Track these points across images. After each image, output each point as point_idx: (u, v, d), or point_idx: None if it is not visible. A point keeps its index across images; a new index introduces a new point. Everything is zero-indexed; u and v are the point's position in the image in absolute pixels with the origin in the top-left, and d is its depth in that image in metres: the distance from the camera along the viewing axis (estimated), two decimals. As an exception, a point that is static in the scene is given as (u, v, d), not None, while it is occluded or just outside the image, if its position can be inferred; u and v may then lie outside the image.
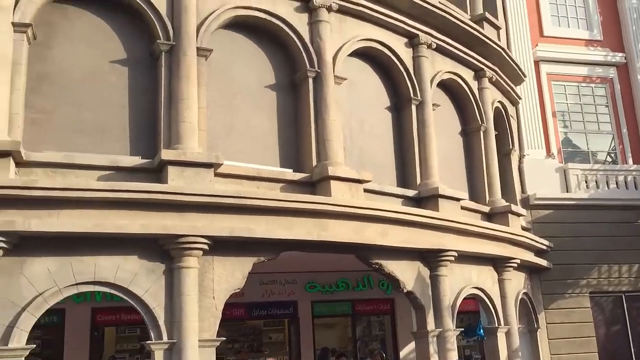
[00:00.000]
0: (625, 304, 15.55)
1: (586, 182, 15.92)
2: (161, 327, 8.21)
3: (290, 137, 10.31)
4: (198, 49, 9.36)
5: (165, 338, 8.18)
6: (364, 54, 11.62)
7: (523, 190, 15.63)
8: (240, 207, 8.74)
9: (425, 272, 11.09)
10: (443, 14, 12.51)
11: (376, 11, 11.44)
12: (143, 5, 9.25)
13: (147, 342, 8.22)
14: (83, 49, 9.05)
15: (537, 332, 14.56)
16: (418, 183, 11.53)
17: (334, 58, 10.67)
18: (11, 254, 7.67)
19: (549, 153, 16.25)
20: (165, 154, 8.46)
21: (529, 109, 16.36)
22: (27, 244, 7.73)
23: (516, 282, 13.65)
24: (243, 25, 10.20)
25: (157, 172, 8.63)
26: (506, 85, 15.19)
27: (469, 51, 13.51)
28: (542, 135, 16.33)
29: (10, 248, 7.62)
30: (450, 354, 10.83)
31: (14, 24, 8.40)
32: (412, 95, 11.85)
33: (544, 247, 14.74)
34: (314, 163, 9.99)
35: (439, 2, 12.70)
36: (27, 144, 8.24)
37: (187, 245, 8.35)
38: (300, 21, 10.54)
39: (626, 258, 15.49)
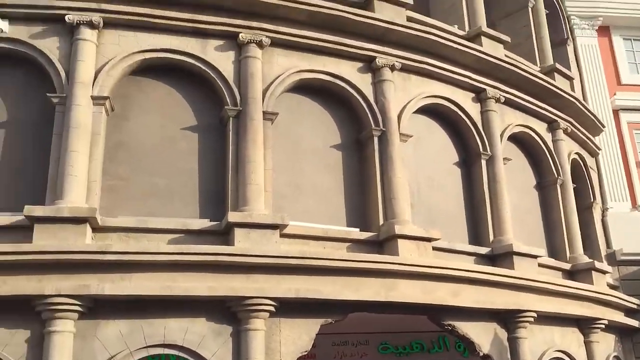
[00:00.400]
0: None
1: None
2: (228, 390, 8.16)
3: (356, 196, 10.29)
4: (264, 113, 9.63)
5: (232, 402, 8.12)
6: (430, 110, 11.57)
7: (608, 246, 14.80)
8: (306, 267, 8.71)
9: (503, 334, 10.56)
10: (510, 67, 12.35)
11: (441, 68, 11.45)
12: (212, 74, 9.68)
13: (214, 407, 8.17)
14: (156, 118, 9.51)
15: (634, 402, 13.44)
16: (491, 240, 11.15)
17: (399, 116, 10.68)
18: (86, 317, 7.94)
19: (634, 205, 15.39)
20: (232, 217, 8.61)
21: (610, 160, 15.68)
22: (100, 307, 7.98)
23: (605, 345, 12.75)
24: (308, 87, 10.43)
25: (224, 234, 8.78)
26: (583, 136, 14.65)
27: (541, 103, 13.20)
28: (625, 186, 15.55)
29: (85, 311, 7.89)
30: (533, 423, 10.13)
31: (93, 98, 8.98)
32: (481, 150, 11.62)
33: (635, 307, 13.75)
34: (381, 222, 9.88)
35: (506, 56, 12.57)
36: (103, 210, 8.65)
37: (254, 307, 8.36)
38: (363, 81, 10.68)
39: None
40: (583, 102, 14.36)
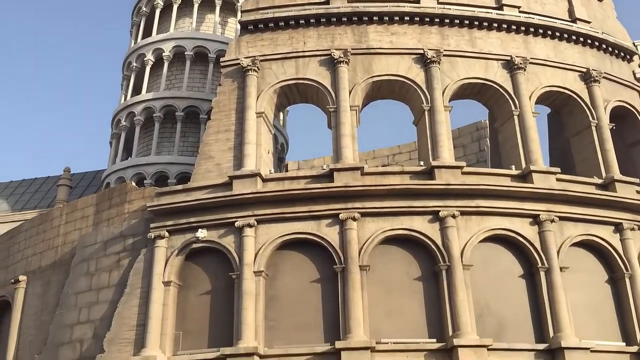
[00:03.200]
0: None
1: None
2: None
3: (434, 314, 14.54)
4: (360, 266, 14.54)
5: None
6: (494, 238, 15.38)
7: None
8: (390, 375, 13.31)
9: (564, 411, 13.78)
10: (562, 192, 15.61)
11: (495, 207, 15.27)
12: (325, 244, 14.91)
13: None
14: (293, 277, 14.98)
15: None
16: (551, 337, 14.44)
17: (462, 252, 14.77)
18: (259, 412, 13.45)
19: None
20: (338, 344, 13.64)
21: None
22: (266, 406, 13.44)
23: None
24: (392, 240, 15.11)
25: (336, 354, 13.72)
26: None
27: (602, 211, 16.00)
28: None
29: (258, 409, 13.41)
30: None
31: (254, 272, 14.74)
32: (539, 264, 15.05)
33: None
34: (450, 334, 14.02)
35: (557, 180, 15.81)
36: (266, 342, 14.22)
37: (358, 403, 13.15)
38: (433, 229, 15.04)
39: None
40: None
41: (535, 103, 17.45)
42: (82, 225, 17.48)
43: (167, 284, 15.08)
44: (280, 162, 24.53)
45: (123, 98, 24.40)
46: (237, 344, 14.02)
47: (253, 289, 14.61)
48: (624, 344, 15.21)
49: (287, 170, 23.26)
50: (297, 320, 14.56)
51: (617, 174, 16.79)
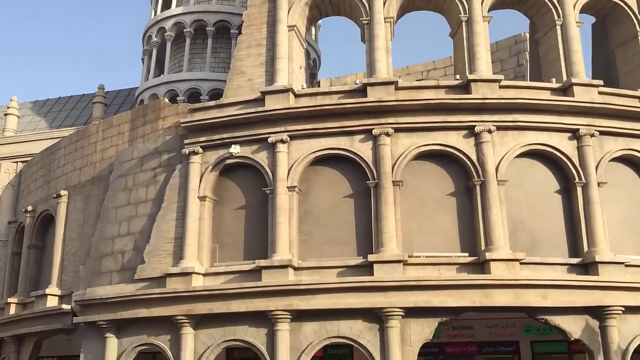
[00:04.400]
0: None
1: None
2: (378, 364, 13.49)
3: (467, 229, 14.56)
4: (393, 182, 14.52)
5: (380, 371, 13.44)
6: (530, 153, 15.10)
7: None
8: (422, 286, 13.55)
9: (594, 323, 13.94)
10: (605, 106, 15.09)
11: (533, 121, 14.90)
12: (358, 159, 14.87)
13: (369, 373, 13.61)
14: (326, 192, 15.08)
15: None
16: (585, 252, 14.41)
17: (497, 167, 14.58)
18: (294, 320, 13.95)
19: None
20: (371, 257, 13.85)
21: None
22: (301, 315, 13.91)
23: None
24: (426, 155, 14.97)
25: (368, 267, 13.98)
26: None
27: (644, 125, 15.53)
28: None
29: (293, 318, 13.90)
30: (619, 390, 13.45)
31: (288, 187, 14.87)
32: (577, 179, 14.81)
33: None
34: (482, 248, 14.09)
35: (599, 93, 15.27)
36: (300, 256, 14.54)
37: (390, 313, 13.49)
38: (468, 145, 14.82)
39: None
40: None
41: (580, 12, 16.56)
42: (118, 142, 17.75)
43: (202, 198, 15.37)
44: (312, 78, 24.14)
45: (153, 13, 24.03)
46: (271, 256, 14.36)
47: (287, 204, 14.78)
48: (658, 259, 15.12)
49: (319, 87, 22.96)
50: (330, 234, 14.77)
51: (662, 87, 16.15)
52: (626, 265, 14.30)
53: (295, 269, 14.33)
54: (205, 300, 14.42)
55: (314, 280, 14.06)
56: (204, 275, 14.90)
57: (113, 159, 17.50)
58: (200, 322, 14.52)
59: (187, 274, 14.73)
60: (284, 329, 13.86)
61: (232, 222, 15.48)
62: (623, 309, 13.82)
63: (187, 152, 15.73)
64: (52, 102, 29.16)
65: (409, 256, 14.01)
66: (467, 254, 14.32)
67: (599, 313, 13.86)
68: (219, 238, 15.41)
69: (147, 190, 16.30)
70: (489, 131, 14.77)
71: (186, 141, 15.84)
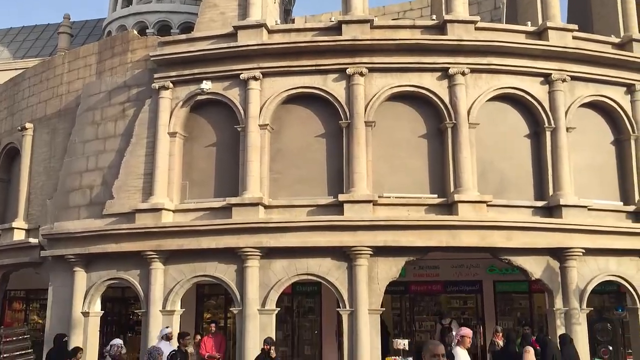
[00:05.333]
0: None
1: None
2: (345, 301, 13.79)
3: (437, 171, 14.70)
4: (366, 122, 14.47)
5: (347, 307, 13.74)
6: (502, 97, 15.15)
7: None
8: (390, 226, 13.75)
9: (555, 264, 14.39)
10: (576, 50, 15.12)
11: (507, 65, 14.88)
12: (331, 99, 14.74)
13: (337, 309, 13.92)
14: (298, 131, 14.99)
15: None
16: (550, 195, 14.73)
17: (469, 110, 14.62)
18: (264, 258, 14.10)
19: None
20: (341, 197, 13.94)
21: None
22: (271, 253, 14.06)
23: (678, 269, 15.48)
24: (399, 97, 14.92)
25: (339, 206, 14.09)
26: (674, 88, 16.53)
27: (616, 72, 15.62)
28: None
29: (263, 255, 14.04)
30: (574, 327, 14.03)
31: (260, 125, 14.73)
32: (546, 124, 14.97)
33: None
34: (451, 190, 14.29)
35: (573, 38, 15.27)
36: (270, 194, 14.57)
37: (358, 252, 13.71)
38: (441, 87, 14.78)
39: None
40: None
41: (559, -46, 16.39)
42: (85, 74, 17.26)
43: (172, 134, 15.16)
44: (286, 15, 23.65)
45: (121, -61, 23.04)
46: (242, 194, 14.36)
47: (258, 142, 14.67)
48: (622, 203, 15.54)
49: (293, 24, 22.46)
50: (302, 173, 14.78)
51: (635, 33, 16.15)
52: (589, 209, 14.69)
53: (265, 207, 14.37)
54: (175, 236, 14.44)
55: (284, 218, 14.14)
56: (174, 211, 14.87)
57: (80, 92, 17.05)
58: (170, 257, 14.59)
59: (156, 210, 14.67)
60: (253, 265, 14.01)
61: (202, 159, 15.35)
62: (583, 250, 14.28)
63: (156, 87, 15.38)
64: (16, 32, 28.05)
65: (379, 196, 14.14)
66: (436, 196, 14.50)
67: (560, 254, 14.30)
68: (189, 175, 15.32)
69: (116, 124, 15.99)
70: (463, 73, 14.72)
71: (156, 75, 15.46)
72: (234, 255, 14.14)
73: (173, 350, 11.58)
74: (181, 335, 12.73)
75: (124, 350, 9.45)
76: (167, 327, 13.07)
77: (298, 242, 13.88)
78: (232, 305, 14.37)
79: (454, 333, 17.47)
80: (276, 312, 14.15)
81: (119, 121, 15.95)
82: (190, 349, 13.48)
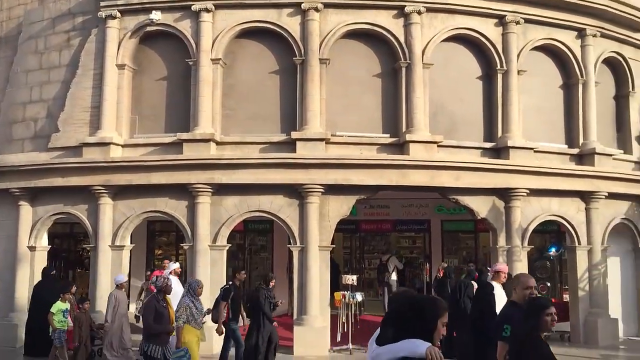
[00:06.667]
0: None
1: None
2: (296, 237, 13.95)
3: (390, 111, 14.76)
4: (320, 59, 14.30)
5: (298, 244, 13.92)
6: (457, 38, 15.16)
7: (643, 127, 17.40)
8: (343, 164, 13.83)
9: (501, 204, 14.84)
10: (531, -7, 15.16)
11: (462, 5, 14.82)
12: (285, 35, 14.45)
13: (288, 245, 14.09)
14: (252, 66, 14.71)
15: (640, 251, 16.90)
16: (499, 137, 15.03)
17: (423, 50, 14.59)
18: (216, 194, 14.04)
19: (678, 90, 17.46)
20: (294, 134, 13.88)
21: (661, 49, 17.60)
22: (223, 189, 14.00)
23: (614, 210, 16.20)
24: (354, 34, 14.74)
25: (292, 144, 14.06)
26: (622, 36, 16.84)
27: (567, 15, 15.77)
28: (672, 74, 17.51)
29: (215, 191, 13.98)
30: (515, 264, 14.63)
31: (212, 59, 14.37)
32: (499, 66, 15.10)
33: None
34: (403, 130, 14.40)
35: (528, -19, 15.28)
36: (222, 130, 14.38)
37: (310, 190, 13.80)
38: (397, 25, 14.65)
39: None
40: (618, 5, 16.31)
41: None
42: (27, 0, 16.36)
43: (121, 66, 14.66)
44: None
45: None
46: (193, 130, 14.13)
47: (210, 77, 14.35)
48: (567, 146, 16.00)
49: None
50: (255, 110, 14.60)
51: (589, -22, 16.29)
52: (535, 151, 15.09)
53: (217, 143, 14.21)
54: (124, 171, 14.19)
55: (236, 155, 14.04)
56: (123, 146, 14.55)
57: (22, 19, 16.20)
58: (119, 192, 14.37)
59: (105, 144, 14.33)
60: (204, 202, 13.95)
61: (152, 93, 14.95)
62: (528, 191, 14.74)
63: (103, 16, 14.73)
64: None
65: (332, 135, 14.15)
66: (388, 135, 14.60)
67: (505, 194, 14.73)
68: (138, 109, 14.93)
69: (61, 54, 15.33)
70: (419, 12, 14.59)
71: (102, 3, 14.77)
72: (185, 192, 14.02)
73: (227, 284, 12.01)
74: (236, 270, 13.01)
75: (169, 282, 9.44)
76: (175, 262, 13.40)
77: (250, 179, 13.85)
78: (184, 241, 14.36)
79: (390, 269, 18.09)
80: (227, 248, 14.23)
81: (63, 51, 15.30)
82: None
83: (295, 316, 14.01)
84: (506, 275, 9.72)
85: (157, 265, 16.76)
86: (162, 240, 20.60)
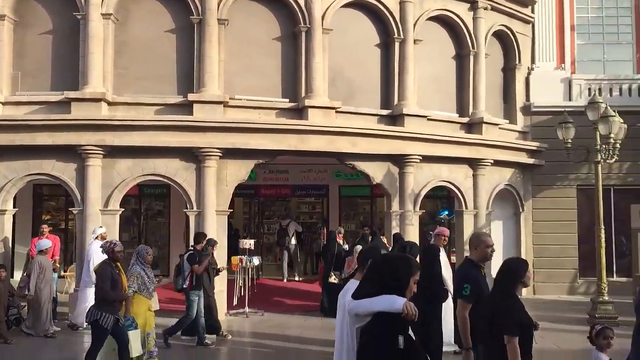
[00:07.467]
0: (612, 196, 18.26)
1: (593, 90, 17.92)
2: (193, 202, 13.70)
3: (290, 75, 14.69)
4: (218, 19, 13.91)
5: (195, 208, 13.69)
6: (356, 4, 15.27)
7: (527, 99, 18.43)
8: (241, 128, 13.67)
9: (395, 170, 15.30)
10: (428, -38, 15.49)
11: (362, -28, 14.91)
12: (182, -8, 13.94)
13: (185, 210, 13.83)
14: (147, 24, 14.08)
15: (522, 215, 18.05)
16: (395, 104, 15.41)
17: (323, 15, 14.57)
18: (108, 157, 13.46)
19: (559, 65, 18.63)
20: (191, 96, 13.52)
21: (545, 25, 18.63)
22: (115, 152, 13.44)
23: (499, 176, 17.18)
24: (256, -5, 14.46)
25: (188, 106, 13.70)
26: (511, 9, 17.66)
27: (461, -13, 16.32)
28: (554, 48, 18.64)
29: (106, 154, 13.39)
30: (407, 227, 15.21)
31: (102, 14, 13.60)
32: (396, 34, 15.40)
33: (535, 148, 17.81)
34: (302, 95, 14.40)
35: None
36: (115, 90, 13.75)
37: (208, 153, 13.55)
38: (297, -12, 14.52)
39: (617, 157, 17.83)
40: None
41: None
42: None
43: (0, 18, 13.56)
44: None
45: None
46: (82, 88, 13.41)
47: (101, 32, 13.61)
48: (457, 115, 16.70)
49: None
50: (149, 70, 14.03)
51: (482, -48, 16.88)
52: (428, 119, 15.63)
53: (109, 103, 13.59)
54: (6, 130, 13.25)
55: (129, 116, 13.49)
56: (4, 104, 13.57)
57: None
58: (1, 153, 13.43)
59: (-17, 102, 13.32)
60: (95, 164, 13.36)
61: (37, 48, 13.95)
62: (421, 157, 15.28)
63: (-20, -39, 13.54)
64: None
65: (230, 98, 13.91)
66: (287, 100, 14.56)
67: (399, 160, 15.19)
68: (21, 65, 13.91)
69: None
70: (320, -24, 14.54)
71: (-22, -52, 13.57)
72: (74, 153, 13.34)
73: (190, 250, 11.48)
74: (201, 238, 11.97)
75: (117, 248, 8.58)
76: (100, 227, 12.66)
77: (144, 142, 13.38)
78: (74, 206, 13.72)
79: (290, 233, 18.30)
80: (120, 212, 13.75)
81: None
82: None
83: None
84: (446, 239, 10.09)
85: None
86: (50, 205, 19.60)
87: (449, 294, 8.45)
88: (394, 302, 3.73)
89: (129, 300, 8.57)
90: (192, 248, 11.61)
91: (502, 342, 4.90)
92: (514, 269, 5.30)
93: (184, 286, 11.12)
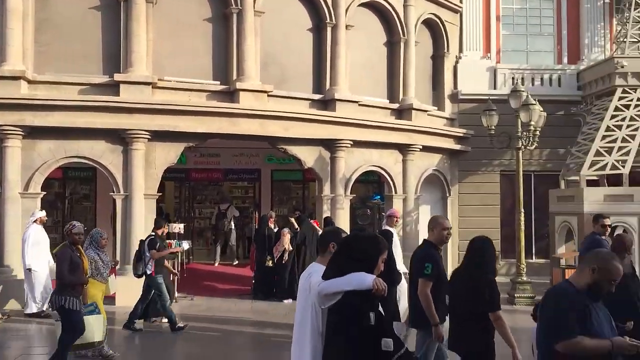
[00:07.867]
0: (533, 182, 19.08)
1: (516, 79, 18.64)
2: (120, 185, 13.33)
3: (221, 57, 14.48)
4: (146, -3, 13.53)
5: (122, 192, 13.33)
6: (289, -12, 15.20)
7: (455, 87, 18.93)
8: (170, 110, 13.38)
9: (327, 154, 15.40)
10: (360, -51, 15.55)
11: (295, -45, 14.81)
12: (107, -33, 13.43)
13: (111, 193, 13.46)
14: (71, 0, 13.50)
15: (448, 199, 18.59)
16: (327, 89, 15.47)
17: (254, -3, 14.43)
18: (27, 137, 12.88)
19: (485, 54, 19.20)
20: (117, 77, 13.11)
21: (472, 15, 19.12)
22: (36, 133, 12.87)
23: (427, 161, 17.59)
24: (185, -26, 14.12)
25: (115, 86, 13.28)
26: (441, -1, 18.09)
27: (392, -24, 16.49)
28: (481, 38, 19.19)
29: (26, 134, 12.81)
30: (338, 211, 15.37)
31: (22, -12, 12.95)
32: (328, 19, 15.42)
33: (462, 135, 18.33)
34: (234, 78, 14.23)
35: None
36: (35, 68, 13.14)
37: (135, 135, 13.19)
38: (230, -31, 14.27)
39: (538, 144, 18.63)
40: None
41: None
42: None
43: None
44: None
45: None
46: (0, 66, 12.74)
47: (20, 7, 12.94)
48: (388, 101, 16.95)
49: None
50: (73, 48, 13.48)
51: (414, -60, 17.12)
52: (359, 105, 15.80)
53: (29, 82, 12.98)
54: None
55: (51, 95, 12.93)
56: None
57: None
58: None
59: None
60: (14, 145, 12.75)
61: (-51, 21, 13.16)
62: (352, 142, 15.44)
63: None
64: None
65: (159, 79, 13.57)
66: (218, 83, 14.35)
67: (331, 145, 15.30)
68: None
69: None
70: (252, -42, 14.35)
71: None
72: (-9, 134, 12.72)
73: (151, 235, 11.19)
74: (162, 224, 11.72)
75: (75, 230, 8.11)
76: (40, 210, 12.26)
77: (67, 122, 12.88)
78: (-10, 189, 13.09)
79: (228, 217, 18.17)
80: (41, 196, 13.21)
81: None
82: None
83: (118, 266, 13.49)
84: (399, 219, 10.23)
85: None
86: (-35, 189, 18.58)
87: (402, 276, 8.58)
88: (364, 280, 3.75)
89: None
90: (153, 233, 11.34)
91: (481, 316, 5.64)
92: (489, 247, 5.80)
93: (149, 272, 10.87)
